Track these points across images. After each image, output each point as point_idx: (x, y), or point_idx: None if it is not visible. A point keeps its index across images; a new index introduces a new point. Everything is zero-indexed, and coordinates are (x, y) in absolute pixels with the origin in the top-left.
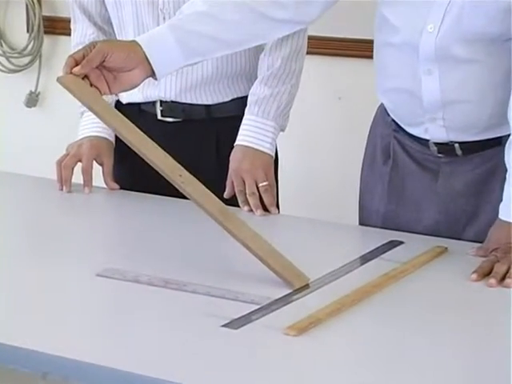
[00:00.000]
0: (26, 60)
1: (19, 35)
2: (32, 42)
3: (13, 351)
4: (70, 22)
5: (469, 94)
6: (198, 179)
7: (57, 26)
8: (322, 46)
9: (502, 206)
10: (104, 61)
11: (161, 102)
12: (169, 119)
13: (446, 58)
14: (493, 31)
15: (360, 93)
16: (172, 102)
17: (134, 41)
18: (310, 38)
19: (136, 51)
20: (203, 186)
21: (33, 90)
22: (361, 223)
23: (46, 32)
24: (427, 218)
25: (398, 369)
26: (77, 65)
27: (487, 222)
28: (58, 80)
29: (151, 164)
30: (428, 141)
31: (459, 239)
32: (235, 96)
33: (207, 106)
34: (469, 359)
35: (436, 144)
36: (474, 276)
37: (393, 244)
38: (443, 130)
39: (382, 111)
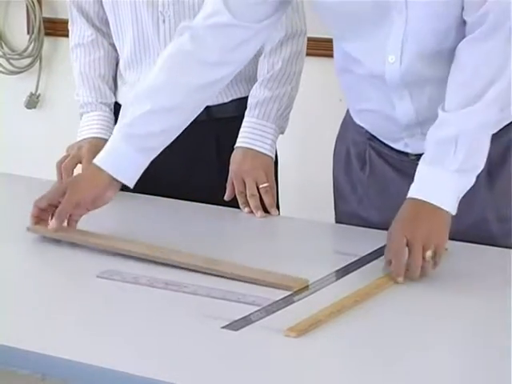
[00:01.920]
0: (27, 62)
1: (19, 37)
2: (32, 44)
3: (12, 353)
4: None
5: None
6: (199, 181)
7: (57, 28)
8: (322, 48)
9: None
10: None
11: None
12: None
13: (413, 81)
14: (450, 46)
15: None
16: None
17: (96, 167)
18: (310, 39)
19: (102, 180)
20: (184, 252)
21: (33, 92)
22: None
23: (46, 34)
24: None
25: (398, 371)
26: (42, 211)
27: (473, 222)
28: (30, 230)
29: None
30: (408, 153)
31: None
32: (235, 97)
33: (207, 107)
34: (469, 361)
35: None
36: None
37: None
38: (423, 143)
39: (351, 119)
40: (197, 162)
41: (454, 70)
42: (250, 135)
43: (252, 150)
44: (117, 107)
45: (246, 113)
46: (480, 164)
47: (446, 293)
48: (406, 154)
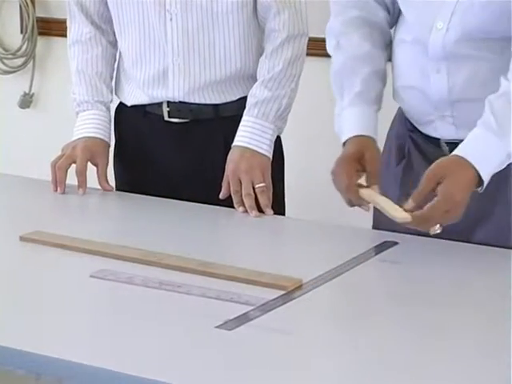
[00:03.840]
0: (20, 61)
1: (13, 36)
2: (26, 44)
3: (6, 353)
4: (64, 23)
5: (476, 93)
6: (206, 179)
7: (50, 27)
8: (323, 48)
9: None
10: None
11: (168, 102)
12: (176, 120)
13: (453, 56)
14: (499, 30)
15: None
16: (180, 102)
17: None
18: (310, 39)
19: None
20: (177, 256)
21: (27, 92)
22: (374, 222)
23: (39, 33)
24: None
25: (395, 369)
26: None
27: (497, 225)
28: (23, 240)
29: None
30: (439, 140)
31: (469, 242)
32: (242, 95)
33: (215, 106)
34: (469, 361)
35: (447, 143)
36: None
37: (387, 245)
38: (453, 128)
39: (400, 111)
40: (204, 160)
41: None
42: (248, 134)
43: (250, 149)
44: (120, 107)
45: (245, 112)
46: None
47: (446, 292)
48: (439, 146)
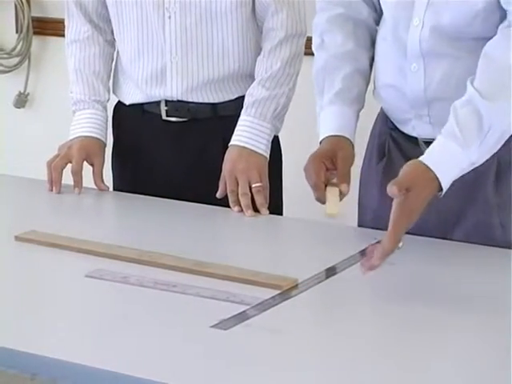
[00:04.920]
0: (15, 61)
1: (8, 36)
2: (21, 43)
3: (1, 352)
4: (59, 22)
5: (451, 92)
6: (204, 178)
7: (46, 27)
8: None
9: (428, 151)
10: None
11: (166, 101)
12: (174, 119)
13: (429, 54)
14: (473, 30)
15: None
16: (178, 101)
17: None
18: (310, 39)
19: None
20: (172, 256)
21: (22, 91)
22: (358, 220)
23: (35, 33)
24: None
25: (393, 369)
26: None
27: (476, 223)
28: (18, 240)
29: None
30: (417, 139)
31: (448, 239)
32: (240, 94)
33: (213, 105)
34: (469, 362)
35: (426, 143)
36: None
37: None
38: (429, 127)
39: (382, 110)
40: (202, 160)
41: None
42: (245, 133)
43: (247, 149)
44: (118, 105)
45: (243, 111)
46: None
47: (445, 292)
48: (418, 145)
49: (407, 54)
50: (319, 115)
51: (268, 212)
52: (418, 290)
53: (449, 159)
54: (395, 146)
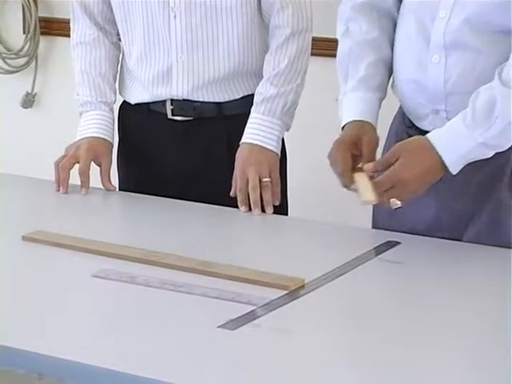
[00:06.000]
0: (23, 61)
1: (15, 36)
2: (28, 43)
3: (8, 352)
4: (66, 22)
5: (470, 86)
6: (210, 177)
7: (53, 27)
8: (323, 48)
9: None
10: None
11: (171, 100)
12: (179, 118)
13: (453, 46)
14: (500, 21)
15: None
16: (183, 100)
17: None
18: (315, 39)
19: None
20: (179, 256)
21: (29, 91)
22: (373, 221)
23: (42, 33)
24: (429, 216)
25: (398, 369)
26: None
27: (488, 223)
28: (25, 239)
29: (134, 260)
30: None
31: (459, 240)
32: (246, 93)
33: (218, 104)
34: (468, 362)
35: None
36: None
37: (390, 244)
38: (446, 123)
39: (400, 109)
40: (208, 159)
41: None
42: (256, 131)
43: (258, 145)
44: (124, 105)
45: (252, 109)
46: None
47: (445, 292)
48: None
49: (430, 45)
50: (341, 101)
51: (272, 211)
52: (424, 290)
53: (452, 137)
54: None
